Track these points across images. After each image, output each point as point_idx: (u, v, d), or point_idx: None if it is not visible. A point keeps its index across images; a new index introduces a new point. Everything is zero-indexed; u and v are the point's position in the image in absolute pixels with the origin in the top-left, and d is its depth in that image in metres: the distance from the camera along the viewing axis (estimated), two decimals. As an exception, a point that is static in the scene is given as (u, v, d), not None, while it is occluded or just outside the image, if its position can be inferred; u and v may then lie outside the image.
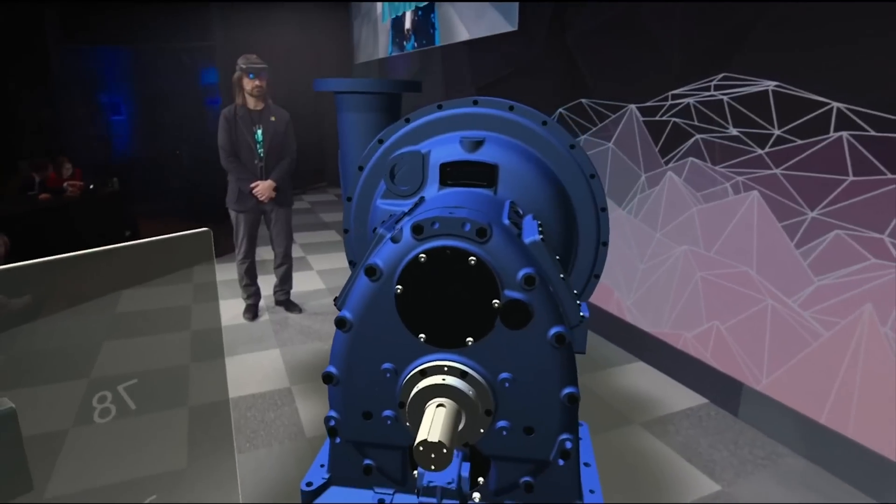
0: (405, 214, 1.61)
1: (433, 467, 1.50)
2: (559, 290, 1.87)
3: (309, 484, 2.17)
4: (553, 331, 1.71)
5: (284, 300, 3.77)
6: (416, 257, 1.69)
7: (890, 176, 1.98)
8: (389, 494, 2.17)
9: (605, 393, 2.86)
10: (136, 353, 1.44)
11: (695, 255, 2.81)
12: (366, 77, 7.43)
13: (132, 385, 1.36)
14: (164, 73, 6.06)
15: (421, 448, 1.48)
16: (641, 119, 3.04)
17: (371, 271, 1.75)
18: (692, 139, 2.75)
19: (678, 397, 2.82)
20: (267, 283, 3.92)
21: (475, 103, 2.34)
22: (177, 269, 1.47)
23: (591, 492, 2.14)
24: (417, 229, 1.74)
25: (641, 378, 3.01)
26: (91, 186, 5.05)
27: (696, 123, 2.72)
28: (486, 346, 1.74)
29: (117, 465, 1.39)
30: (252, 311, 3.65)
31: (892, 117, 1.95)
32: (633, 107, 3.09)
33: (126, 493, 1.36)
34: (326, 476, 2.22)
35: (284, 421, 2.57)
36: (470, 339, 1.73)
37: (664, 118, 2.89)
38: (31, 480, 1.36)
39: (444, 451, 1.50)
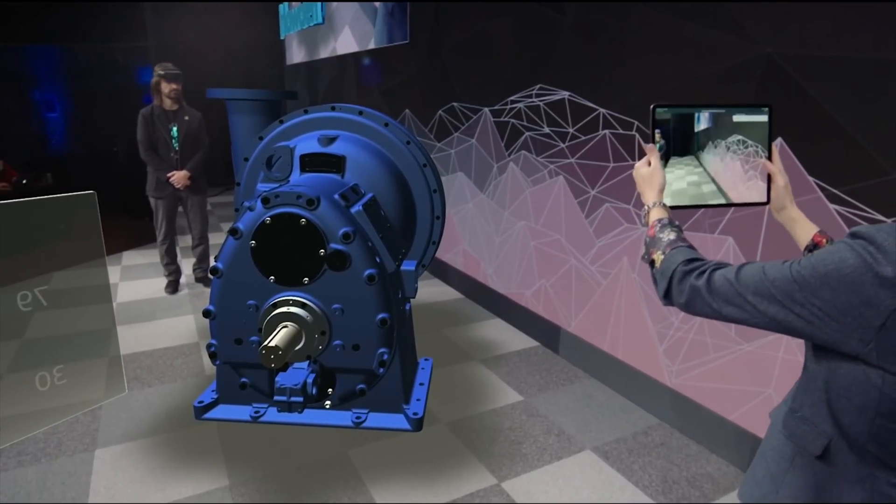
0: (269, 193, 2.27)
1: (273, 365, 2.18)
2: (377, 245, 2.58)
3: (200, 402, 2.83)
4: (366, 272, 2.44)
5: (202, 277, 4.30)
6: (264, 220, 2.40)
7: (631, 162, 2.72)
8: (264, 408, 2.84)
9: (460, 340, 3.54)
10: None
11: (529, 229, 3.53)
12: (294, 78, 7.95)
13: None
14: (99, 72, 6.35)
15: (263, 351, 2.20)
16: (492, 120, 3.74)
17: (234, 232, 2.46)
18: (523, 136, 3.45)
19: (516, 342, 3.53)
20: (188, 265, 4.47)
21: (333, 109, 3.01)
22: (66, 229, 2.06)
23: (418, 400, 2.87)
24: (265, 200, 2.46)
25: (494, 330, 3.71)
26: (24, 182, 5.41)
27: (525, 123, 3.42)
28: (320, 284, 2.45)
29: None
30: (173, 286, 4.16)
31: (628, 119, 2.69)
32: (486, 110, 3.78)
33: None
34: (215, 396, 2.89)
35: (190, 365, 3.13)
36: (306, 279, 2.44)
37: (506, 119, 3.59)
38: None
39: (280, 353, 2.22)
